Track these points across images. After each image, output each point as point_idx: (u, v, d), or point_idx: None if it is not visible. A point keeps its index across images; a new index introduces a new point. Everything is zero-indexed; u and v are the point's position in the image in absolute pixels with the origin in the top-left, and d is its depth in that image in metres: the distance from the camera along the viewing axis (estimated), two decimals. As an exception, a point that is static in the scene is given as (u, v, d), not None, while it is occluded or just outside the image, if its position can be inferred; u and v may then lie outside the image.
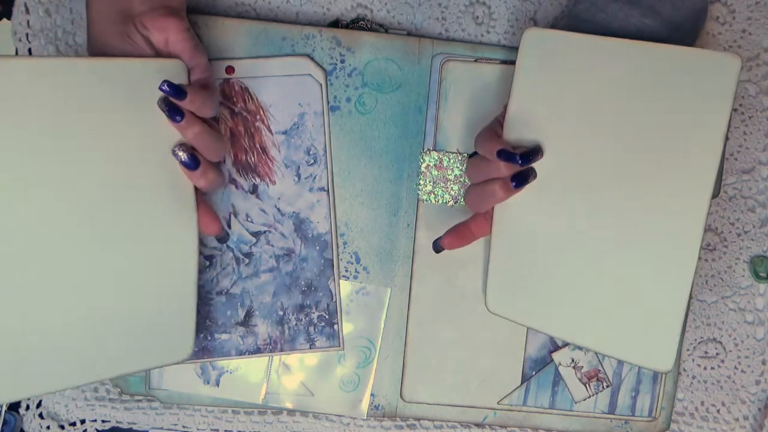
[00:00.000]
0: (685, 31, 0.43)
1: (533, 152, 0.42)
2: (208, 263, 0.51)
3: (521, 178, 0.42)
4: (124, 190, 0.42)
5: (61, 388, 0.42)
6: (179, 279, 0.45)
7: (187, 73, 0.44)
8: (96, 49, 0.43)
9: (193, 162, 0.43)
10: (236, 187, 0.51)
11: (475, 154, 0.46)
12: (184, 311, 0.46)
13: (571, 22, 0.45)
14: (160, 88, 0.40)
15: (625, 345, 0.43)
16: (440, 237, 0.48)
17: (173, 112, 0.41)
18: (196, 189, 0.46)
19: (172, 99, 0.41)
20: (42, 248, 0.40)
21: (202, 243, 0.50)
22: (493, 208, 0.46)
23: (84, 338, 0.42)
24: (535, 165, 0.43)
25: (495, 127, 0.45)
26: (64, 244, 0.41)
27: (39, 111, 0.39)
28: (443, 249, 0.48)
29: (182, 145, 0.43)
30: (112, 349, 0.43)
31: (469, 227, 0.47)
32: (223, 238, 0.50)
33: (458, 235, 0.47)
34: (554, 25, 0.51)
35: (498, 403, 0.52)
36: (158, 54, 0.43)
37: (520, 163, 0.41)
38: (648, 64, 0.41)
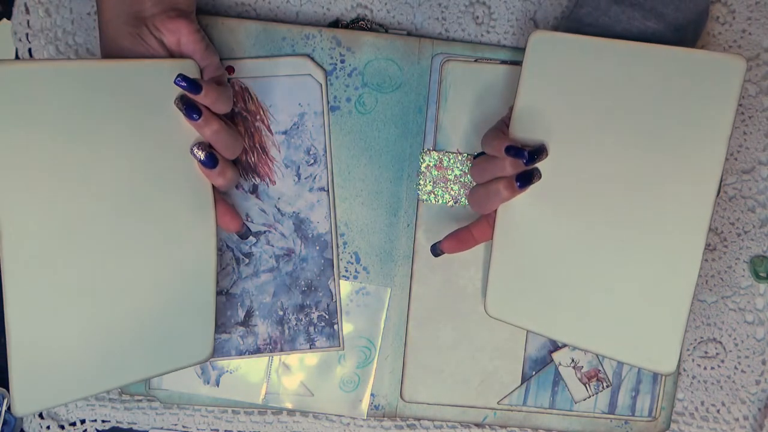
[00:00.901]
0: (688, 33, 0.43)
1: (538, 151, 0.42)
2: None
3: (526, 178, 0.42)
4: (142, 191, 0.42)
5: (88, 394, 0.42)
6: (198, 279, 0.46)
7: (200, 72, 0.44)
8: (109, 52, 0.43)
9: (211, 161, 0.44)
10: (236, 187, 0.51)
11: (479, 156, 0.46)
12: (204, 312, 0.46)
13: (573, 25, 0.45)
14: (176, 83, 0.41)
15: (627, 347, 0.43)
16: (439, 241, 0.48)
17: (190, 110, 0.42)
18: (213, 188, 0.46)
19: (187, 94, 0.42)
20: (64, 255, 0.40)
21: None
22: (495, 212, 0.46)
23: (108, 343, 0.42)
24: (540, 167, 0.43)
25: (501, 127, 0.45)
26: (85, 250, 0.40)
27: (55, 114, 0.39)
28: (442, 253, 0.48)
29: (200, 144, 0.43)
30: (135, 353, 0.43)
31: (470, 232, 0.47)
32: (244, 234, 0.49)
33: (459, 239, 0.47)
34: (555, 27, 0.51)
35: (498, 403, 0.52)
36: (171, 55, 0.43)
37: (527, 159, 0.41)
38: (653, 65, 0.41)
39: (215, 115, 0.43)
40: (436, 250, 0.48)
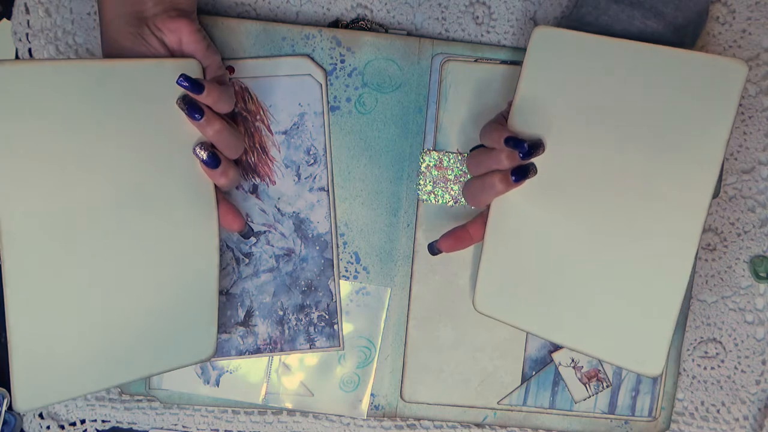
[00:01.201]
0: (688, 33, 0.43)
1: (535, 146, 0.42)
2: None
3: (521, 172, 0.42)
4: (144, 191, 0.42)
5: (91, 390, 0.42)
6: (201, 278, 0.46)
7: (202, 71, 0.44)
8: (110, 52, 0.43)
9: (213, 161, 0.44)
10: (236, 187, 0.51)
11: (476, 148, 0.46)
12: (206, 310, 0.46)
13: (573, 24, 0.45)
14: (178, 83, 0.41)
15: (613, 348, 0.43)
16: (436, 240, 0.48)
17: (193, 110, 0.42)
18: (216, 187, 0.46)
19: (190, 94, 0.42)
20: (66, 253, 0.40)
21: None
22: (489, 208, 0.46)
23: (110, 340, 0.42)
24: (536, 162, 0.43)
25: (500, 120, 0.45)
26: (87, 248, 0.41)
27: (56, 115, 0.39)
28: (440, 252, 0.48)
29: (202, 144, 0.44)
30: (138, 350, 0.43)
31: (467, 230, 0.47)
32: (247, 233, 0.49)
33: (456, 237, 0.47)
34: (556, 26, 0.51)
35: (498, 403, 0.52)
36: (172, 54, 0.43)
37: (525, 151, 0.41)
38: (654, 66, 0.41)
39: (217, 114, 0.43)
40: (434, 249, 0.48)
